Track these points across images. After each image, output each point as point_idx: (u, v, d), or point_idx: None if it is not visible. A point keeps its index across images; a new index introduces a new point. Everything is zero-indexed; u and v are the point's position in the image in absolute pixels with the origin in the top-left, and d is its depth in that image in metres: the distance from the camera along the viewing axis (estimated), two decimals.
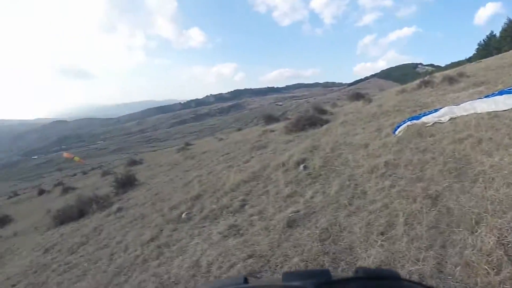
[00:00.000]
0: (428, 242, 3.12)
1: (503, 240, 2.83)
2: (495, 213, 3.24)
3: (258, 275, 3.29)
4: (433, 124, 6.98)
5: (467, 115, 6.79)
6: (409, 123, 7.57)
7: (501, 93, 7.49)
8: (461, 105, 7.46)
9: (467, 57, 66.09)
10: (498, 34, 59.77)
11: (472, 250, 2.80)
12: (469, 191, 3.82)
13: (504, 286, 2.39)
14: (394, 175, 5.04)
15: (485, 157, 4.54)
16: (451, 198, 3.80)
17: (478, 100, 7.56)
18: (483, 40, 66.37)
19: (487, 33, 63.17)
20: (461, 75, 14.66)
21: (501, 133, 5.24)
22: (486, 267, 2.59)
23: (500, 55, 33.84)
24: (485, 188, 3.76)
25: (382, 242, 3.29)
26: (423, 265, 2.80)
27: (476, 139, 5.27)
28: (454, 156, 4.95)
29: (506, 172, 3.98)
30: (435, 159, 5.09)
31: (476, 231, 3.01)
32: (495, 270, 2.56)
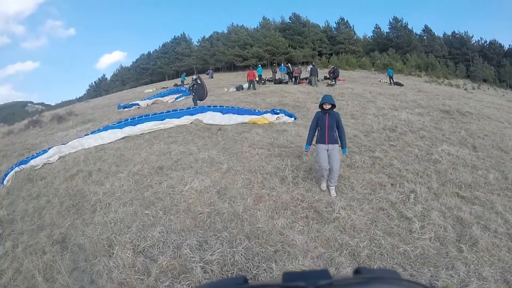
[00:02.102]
0: (76, 285, 3.41)
1: (138, 248, 3.68)
2: (121, 230, 4.10)
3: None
4: (42, 166, 7.29)
5: (75, 152, 7.83)
6: (17, 169, 7.33)
7: (105, 128, 9.63)
8: (70, 143, 8.41)
9: (78, 97, 78.35)
10: (109, 78, 77.67)
11: (118, 270, 3.37)
12: (92, 222, 4.49)
13: (159, 282, 3.16)
14: (13, 232, 4.86)
15: (97, 187, 5.48)
16: (78, 235, 4.26)
17: (85, 136, 9.06)
18: (95, 82, 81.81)
19: (100, 76, 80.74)
20: (70, 113, 16.73)
21: (108, 163, 6.62)
22: (138, 276, 3.27)
23: (108, 95, 43.58)
24: (105, 214, 4.61)
25: None
26: None
27: (87, 173, 6.26)
28: (69, 194, 5.51)
29: (119, 194, 5.13)
30: (51, 202, 5.44)
31: (113, 253, 3.65)
32: (145, 274, 3.31)
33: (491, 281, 3.12)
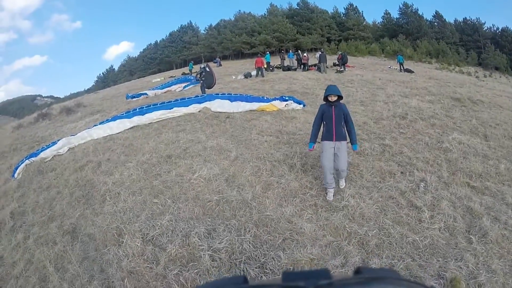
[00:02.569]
0: (86, 274, 3.47)
1: (147, 237, 3.72)
2: (130, 219, 4.14)
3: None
4: (52, 158, 7.40)
5: (84, 143, 7.90)
6: (27, 161, 7.45)
7: (114, 118, 9.68)
8: (79, 134, 8.48)
9: (86, 88, 79.18)
10: (116, 69, 78.18)
11: (128, 259, 3.41)
12: (102, 212, 4.53)
13: (167, 270, 3.19)
14: (24, 224, 4.97)
15: (107, 177, 5.53)
16: (88, 225, 4.31)
17: (94, 127, 9.13)
18: (103, 73, 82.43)
19: (108, 67, 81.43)
20: (78, 105, 16.88)
21: (117, 153, 6.67)
22: (147, 265, 3.30)
23: (116, 86, 44.04)
24: (114, 203, 4.65)
25: None
26: None
27: (96, 163, 6.30)
28: (78, 185, 5.57)
29: (128, 183, 5.15)
30: (61, 193, 5.50)
31: (122, 242, 3.69)
32: (154, 262, 3.35)
33: (500, 274, 3.05)
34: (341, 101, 4.41)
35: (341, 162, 4.30)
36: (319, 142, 4.56)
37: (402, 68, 22.61)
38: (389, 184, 4.72)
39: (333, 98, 4.29)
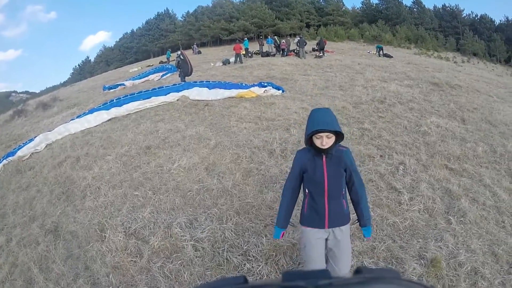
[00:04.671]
0: (71, 273, 3.35)
1: (129, 231, 3.61)
2: (112, 214, 4.02)
3: None
4: (30, 155, 7.07)
5: (62, 138, 7.59)
6: (5, 161, 7.12)
7: (91, 111, 9.34)
8: (55, 129, 8.13)
9: (62, 82, 75.81)
10: (93, 60, 74.87)
11: (111, 254, 3.30)
12: (83, 208, 4.37)
13: (151, 262, 3.11)
14: (6, 226, 4.77)
15: (86, 172, 5.33)
16: (69, 222, 4.15)
17: (71, 121, 8.79)
18: (78, 65, 78.94)
19: (83, 59, 77.58)
20: (55, 99, 16.21)
21: (95, 147, 6.41)
22: (131, 259, 3.21)
23: (92, 77, 42.42)
24: (95, 198, 4.49)
25: None
26: None
27: (75, 158, 6.07)
28: (58, 182, 5.34)
29: (108, 177, 5.00)
30: (41, 191, 5.27)
31: (105, 238, 3.57)
32: (138, 256, 3.25)
33: (479, 253, 3.10)
34: (341, 143, 2.21)
35: (342, 263, 2.20)
36: (293, 226, 2.54)
37: (381, 53, 22.67)
38: (368, 167, 4.73)
39: (325, 141, 2.01)
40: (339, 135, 2.10)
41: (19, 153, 7.33)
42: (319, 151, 2.11)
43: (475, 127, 6.56)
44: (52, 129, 8.46)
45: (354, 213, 2.30)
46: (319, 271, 0.50)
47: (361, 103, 7.95)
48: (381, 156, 5.13)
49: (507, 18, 48.73)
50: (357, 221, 2.29)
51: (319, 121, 2.01)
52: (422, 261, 3.00)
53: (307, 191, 2.24)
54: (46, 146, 7.44)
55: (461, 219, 3.61)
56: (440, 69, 16.09)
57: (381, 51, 22.79)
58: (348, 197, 2.27)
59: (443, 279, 2.81)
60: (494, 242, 3.31)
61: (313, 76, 11.82)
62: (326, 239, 2.21)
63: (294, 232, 3.17)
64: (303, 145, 5.38)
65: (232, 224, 3.47)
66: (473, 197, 4.05)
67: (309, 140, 2.13)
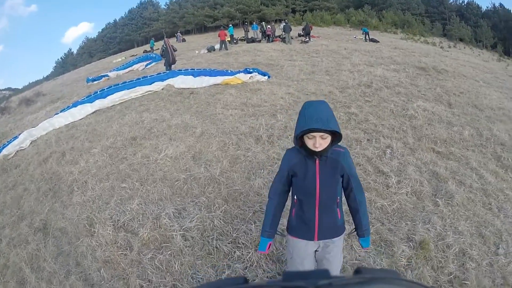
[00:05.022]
0: (62, 270, 3.28)
1: (118, 224, 3.52)
2: (100, 207, 3.90)
3: None
4: (15, 153, 6.83)
5: (46, 134, 7.35)
6: None
7: (75, 104, 9.07)
8: (40, 125, 7.87)
9: (45, 76, 73.33)
10: (75, 52, 72.40)
11: (101, 249, 3.22)
12: (70, 203, 4.25)
13: (141, 255, 3.02)
14: None
15: (72, 166, 5.17)
16: (58, 219, 4.03)
17: (55, 115, 8.53)
18: (61, 58, 76.41)
19: (66, 51, 74.84)
20: (38, 94, 15.72)
21: (81, 140, 6.22)
22: (121, 252, 3.13)
23: (76, 70, 41.26)
24: (82, 193, 4.37)
25: None
26: None
27: (60, 154, 5.88)
28: (44, 178, 5.19)
29: (94, 170, 4.86)
30: (28, 189, 5.11)
31: (94, 232, 3.48)
32: (128, 249, 3.18)
33: (466, 235, 3.13)
34: (339, 144, 1.84)
35: (331, 269, 1.88)
36: (281, 234, 2.11)
37: (367, 38, 22.41)
38: (355, 151, 4.70)
39: (318, 141, 1.66)
40: (336, 135, 1.72)
41: (4, 151, 7.09)
42: (312, 153, 1.74)
43: (461, 111, 6.57)
44: (36, 125, 8.20)
45: (349, 217, 2.11)
46: (319, 271, 0.50)
47: (348, 87, 7.88)
48: (368, 140, 5.10)
49: (493, 4, 48.88)
50: (354, 230, 1.99)
51: (312, 117, 1.60)
52: (411, 244, 3.01)
53: (295, 197, 1.89)
54: (31, 143, 7.20)
55: (448, 201, 3.62)
56: (427, 54, 16.03)
57: (367, 35, 22.54)
58: (344, 200, 1.96)
59: (432, 261, 2.83)
60: (481, 224, 3.34)
61: (299, 61, 11.64)
62: (316, 252, 1.96)
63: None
64: (290, 130, 5.31)
65: (221, 212, 3.41)
66: (460, 179, 4.07)
67: (299, 140, 1.75)
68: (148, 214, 3.59)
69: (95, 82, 14.21)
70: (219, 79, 8.87)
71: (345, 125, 5.61)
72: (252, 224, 3.20)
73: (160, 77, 9.32)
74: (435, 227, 3.21)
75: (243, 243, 2.99)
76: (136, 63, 17.09)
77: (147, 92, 8.60)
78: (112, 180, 4.49)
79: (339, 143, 1.80)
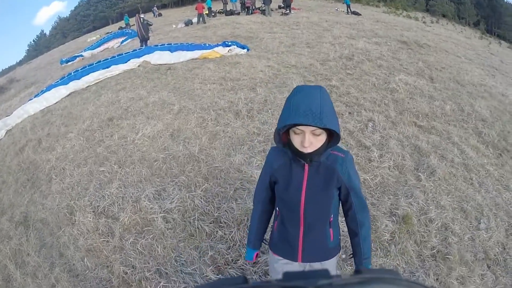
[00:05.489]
0: (46, 263, 3.12)
1: (98, 209, 3.34)
2: (79, 194, 3.71)
3: None
4: None
5: (21, 122, 6.94)
6: None
7: (49, 88, 8.55)
8: (14, 113, 7.41)
9: (18, 60, 69.61)
10: (48, 33, 68.47)
11: (83, 237, 3.07)
12: (50, 192, 4.03)
13: (123, 240, 2.91)
14: None
15: (49, 153, 4.89)
16: (38, 210, 3.82)
17: (29, 102, 8.08)
18: (33, 41, 72.51)
19: (38, 33, 70.69)
20: (11, 81, 14.89)
21: (56, 125, 5.82)
22: (103, 239, 2.99)
23: (49, 52, 39.20)
24: (61, 180, 4.12)
25: None
26: None
27: (36, 141, 5.56)
28: (22, 169, 4.91)
29: (71, 156, 4.59)
30: (6, 182, 4.85)
31: (75, 221, 3.31)
32: (109, 235, 3.04)
33: (448, 209, 3.09)
34: (338, 145, 1.38)
35: None
36: (268, 244, 1.64)
37: (349, 10, 21.62)
38: None
39: (307, 139, 1.19)
40: (332, 134, 1.26)
41: None
42: (299, 156, 1.26)
43: (443, 85, 6.43)
44: (11, 113, 7.73)
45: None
46: (319, 271, 0.47)
47: (329, 60, 7.60)
48: (349, 113, 4.95)
49: None
50: (351, 255, 1.52)
51: (299, 108, 1.14)
52: (394, 218, 2.96)
53: (277, 209, 1.49)
54: (6, 133, 6.79)
55: (430, 176, 3.58)
56: (409, 28, 15.60)
57: (349, 8, 21.78)
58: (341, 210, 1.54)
59: (415, 235, 2.81)
60: (463, 198, 3.32)
61: (279, 34, 11.15)
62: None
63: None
64: (270, 104, 5.10)
65: (201, 191, 3.25)
66: (442, 154, 4.01)
67: (283, 136, 1.29)
68: (127, 197, 3.41)
69: (70, 63, 13.44)
70: (197, 53, 8.46)
71: None
72: (233, 202, 3.07)
73: (136, 54, 8.81)
74: (417, 201, 3.17)
75: (225, 222, 2.87)
76: (111, 39, 16.25)
77: (123, 70, 8.14)
78: (90, 165, 4.25)
79: (338, 145, 1.34)
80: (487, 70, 8.91)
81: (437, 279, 2.53)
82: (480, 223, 3.06)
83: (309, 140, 1.19)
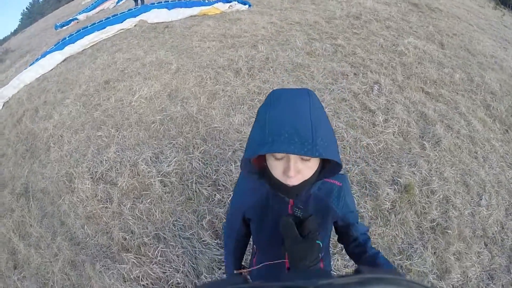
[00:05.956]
0: (48, 233, 3.13)
1: (96, 175, 3.27)
2: (77, 161, 3.61)
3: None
4: None
5: (18, 92, 6.81)
6: None
7: (43, 55, 8.27)
8: (10, 83, 7.24)
9: (13, 30, 68.21)
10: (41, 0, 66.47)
11: (83, 204, 3.03)
12: (49, 161, 3.96)
13: (122, 205, 2.86)
14: None
15: (46, 121, 4.76)
16: (38, 180, 3.78)
17: (24, 71, 7.87)
18: (27, 8, 70.66)
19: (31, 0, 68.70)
20: (6, 52, 14.38)
21: (53, 92, 5.61)
22: (102, 205, 2.94)
23: (43, 18, 38.05)
24: (59, 148, 4.04)
25: None
26: None
27: (33, 110, 5.44)
28: (20, 140, 4.85)
29: (69, 122, 4.48)
30: (6, 154, 4.79)
31: (74, 188, 3.26)
32: (108, 201, 2.99)
33: (451, 182, 2.95)
34: (333, 172, 0.90)
35: None
36: (245, 269, 1.33)
37: None
38: (341, 85, 4.24)
39: (293, 167, 0.79)
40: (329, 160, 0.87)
41: None
42: (281, 189, 0.88)
43: (453, 53, 5.92)
44: (6, 84, 7.55)
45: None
46: (319, 271, 0.56)
47: (335, 18, 7.01)
48: (355, 74, 4.61)
49: None
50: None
51: (281, 127, 0.74)
52: (396, 187, 2.84)
53: (255, 247, 1.23)
54: (3, 105, 6.67)
55: (435, 145, 3.39)
56: None
57: None
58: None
59: (416, 206, 2.71)
60: (466, 172, 3.16)
61: None
62: None
63: None
64: (272, 62, 4.79)
65: (199, 153, 3.08)
66: (448, 124, 3.77)
67: (254, 162, 0.91)
68: (125, 161, 3.27)
69: (64, 27, 12.92)
70: (196, 10, 7.94)
71: (331, 58, 5.04)
72: (232, 164, 2.92)
73: (132, 13, 8.35)
74: (420, 171, 3.01)
75: (223, 185, 2.73)
76: (106, 0, 15.47)
77: (119, 31, 7.75)
78: (88, 130, 4.12)
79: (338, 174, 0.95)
80: (499, 42, 8.20)
81: (434, 253, 2.48)
82: (481, 199, 2.96)
83: (295, 168, 0.80)
